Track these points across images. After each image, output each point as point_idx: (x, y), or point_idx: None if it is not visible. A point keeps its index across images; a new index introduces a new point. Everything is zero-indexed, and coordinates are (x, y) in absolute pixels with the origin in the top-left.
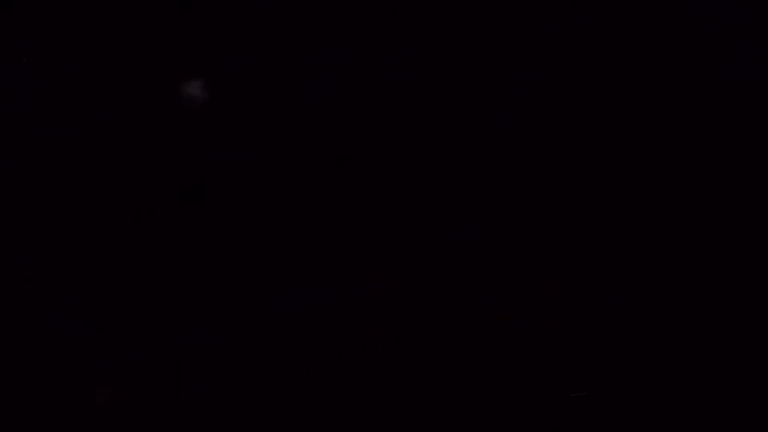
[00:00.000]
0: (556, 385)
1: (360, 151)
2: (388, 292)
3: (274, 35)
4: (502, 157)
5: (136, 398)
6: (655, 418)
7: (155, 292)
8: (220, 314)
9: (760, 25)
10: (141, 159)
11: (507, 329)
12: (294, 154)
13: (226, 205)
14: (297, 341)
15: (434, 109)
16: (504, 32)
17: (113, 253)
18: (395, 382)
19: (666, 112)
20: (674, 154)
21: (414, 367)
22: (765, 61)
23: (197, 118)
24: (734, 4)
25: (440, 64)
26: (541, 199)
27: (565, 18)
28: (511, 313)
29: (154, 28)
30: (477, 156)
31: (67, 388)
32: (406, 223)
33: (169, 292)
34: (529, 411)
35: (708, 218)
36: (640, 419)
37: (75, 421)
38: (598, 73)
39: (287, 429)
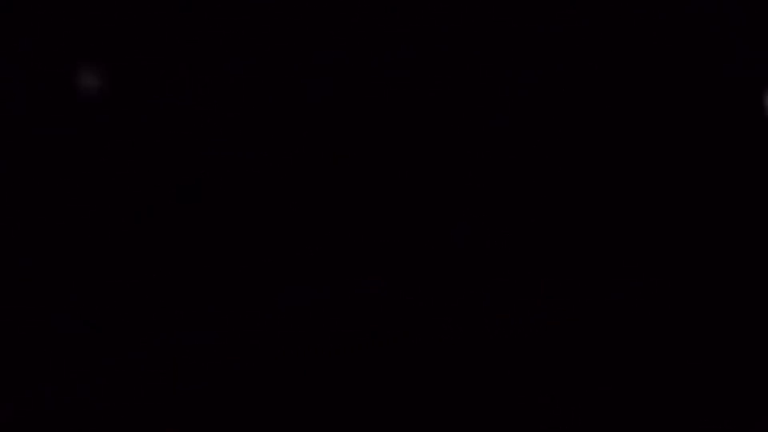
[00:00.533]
0: (554, 384)
1: (357, 149)
2: (385, 290)
3: (275, 36)
4: (500, 156)
5: (135, 398)
6: (653, 417)
7: (153, 292)
8: (217, 313)
9: (760, 25)
10: (139, 160)
11: (504, 327)
12: (290, 152)
13: (224, 205)
14: (294, 340)
15: (433, 109)
16: (504, 32)
17: (113, 253)
18: (392, 381)
19: (664, 112)
20: (673, 153)
21: (411, 365)
22: (765, 61)
23: (200, 118)
24: (734, 4)
25: (440, 64)
26: (539, 197)
27: (565, 18)
28: (508, 312)
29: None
30: (475, 155)
31: (66, 388)
32: (404, 222)
33: (167, 292)
34: (527, 410)
35: (706, 217)
36: (639, 418)
37: (75, 421)
38: (598, 73)
39: (284, 428)
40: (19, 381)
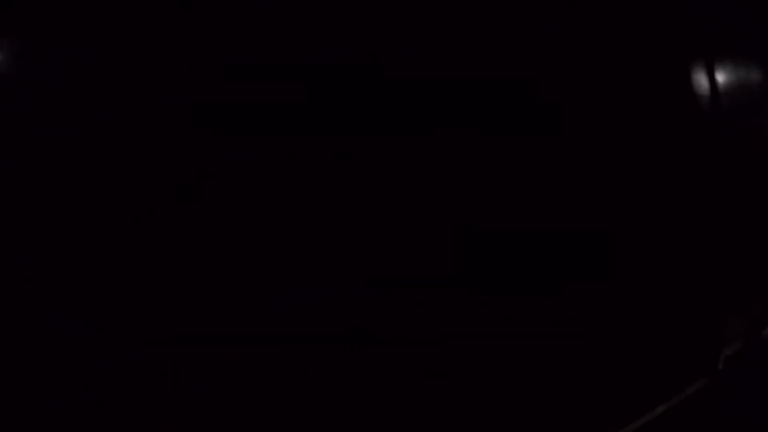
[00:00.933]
0: (553, 384)
1: (357, 148)
2: (386, 290)
3: (277, 33)
4: (500, 155)
5: (135, 398)
6: (652, 417)
7: (153, 292)
8: (217, 313)
9: (760, 24)
10: (136, 156)
11: (504, 327)
12: (291, 151)
13: (223, 204)
14: (293, 340)
15: (433, 109)
16: (504, 32)
17: (113, 254)
18: (393, 381)
19: (664, 112)
20: (672, 153)
21: (411, 365)
22: (765, 61)
23: (202, 117)
24: (734, 4)
25: (440, 64)
26: (538, 197)
27: (565, 18)
28: (508, 311)
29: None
30: (475, 155)
31: (66, 388)
32: (404, 221)
33: (167, 292)
34: (526, 411)
35: (705, 217)
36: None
37: (75, 422)
38: (598, 72)
39: (284, 428)
40: (19, 381)
